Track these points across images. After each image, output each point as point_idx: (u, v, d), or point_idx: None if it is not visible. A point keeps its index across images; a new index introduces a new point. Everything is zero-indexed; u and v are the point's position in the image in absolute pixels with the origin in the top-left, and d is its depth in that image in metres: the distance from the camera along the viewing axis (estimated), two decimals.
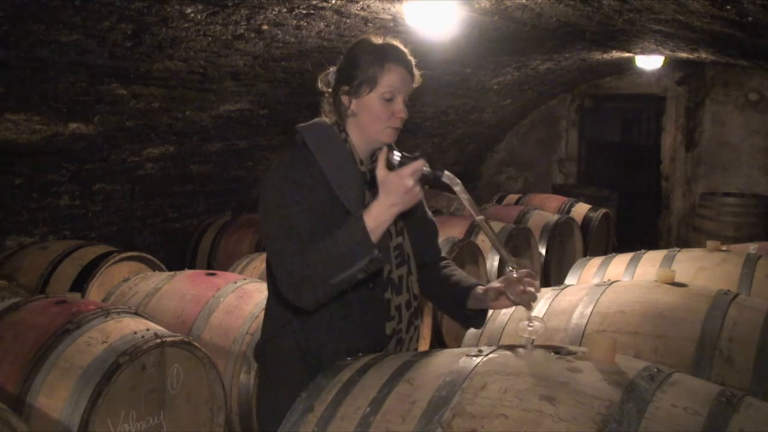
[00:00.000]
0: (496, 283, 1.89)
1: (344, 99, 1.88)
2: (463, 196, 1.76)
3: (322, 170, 1.82)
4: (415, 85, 1.91)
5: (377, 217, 1.68)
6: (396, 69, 1.85)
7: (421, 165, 1.69)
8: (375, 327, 1.86)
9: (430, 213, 2.13)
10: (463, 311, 1.99)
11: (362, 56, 1.86)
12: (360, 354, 1.80)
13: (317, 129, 1.90)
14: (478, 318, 2.01)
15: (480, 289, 1.94)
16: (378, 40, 1.89)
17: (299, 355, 1.86)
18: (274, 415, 1.69)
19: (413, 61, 1.90)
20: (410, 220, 1.99)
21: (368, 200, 1.86)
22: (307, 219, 1.75)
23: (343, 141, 1.89)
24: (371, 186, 1.87)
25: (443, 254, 2.17)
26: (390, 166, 1.72)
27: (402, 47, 1.90)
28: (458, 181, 1.75)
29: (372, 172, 1.83)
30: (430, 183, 1.78)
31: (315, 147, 1.84)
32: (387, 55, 1.85)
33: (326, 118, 1.94)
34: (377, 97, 1.84)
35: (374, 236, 1.68)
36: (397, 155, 1.74)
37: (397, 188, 1.67)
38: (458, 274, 2.07)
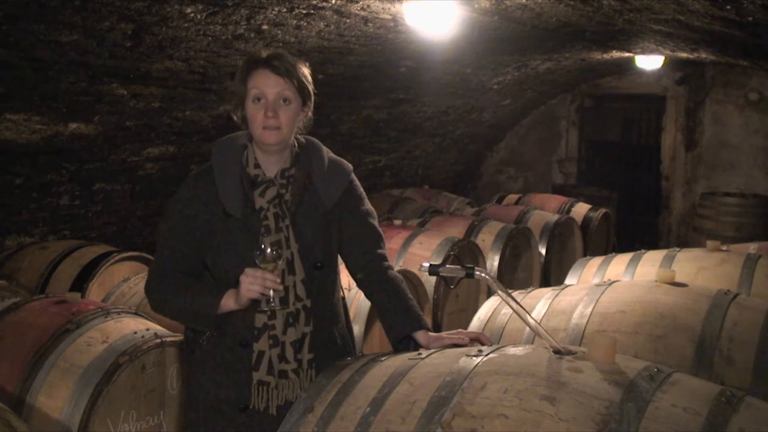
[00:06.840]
0: (444, 335, 1.93)
1: (237, 117, 1.98)
2: (501, 292, 1.80)
3: (214, 178, 1.95)
4: (295, 82, 1.91)
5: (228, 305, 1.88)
6: (259, 72, 1.90)
7: None
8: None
9: (371, 220, 2.09)
10: (400, 340, 1.98)
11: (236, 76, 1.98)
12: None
13: (224, 142, 2.02)
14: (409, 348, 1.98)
15: (422, 338, 1.93)
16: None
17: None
18: None
19: (287, 60, 1.91)
20: (336, 221, 2.01)
21: (256, 200, 1.92)
22: (170, 237, 1.97)
23: (241, 147, 1.98)
24: (255, 185, 1.94)
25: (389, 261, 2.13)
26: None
27: (274, 53, 1.93)
28: (493, 277, 1.84)
29: (254, 174, 1.94)
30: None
31: (214, 158, 1.97)
32: (250, 63, 1.93)
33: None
34: (249, 101, 1.91)
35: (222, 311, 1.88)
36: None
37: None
38: (403, 302, 2.01)
